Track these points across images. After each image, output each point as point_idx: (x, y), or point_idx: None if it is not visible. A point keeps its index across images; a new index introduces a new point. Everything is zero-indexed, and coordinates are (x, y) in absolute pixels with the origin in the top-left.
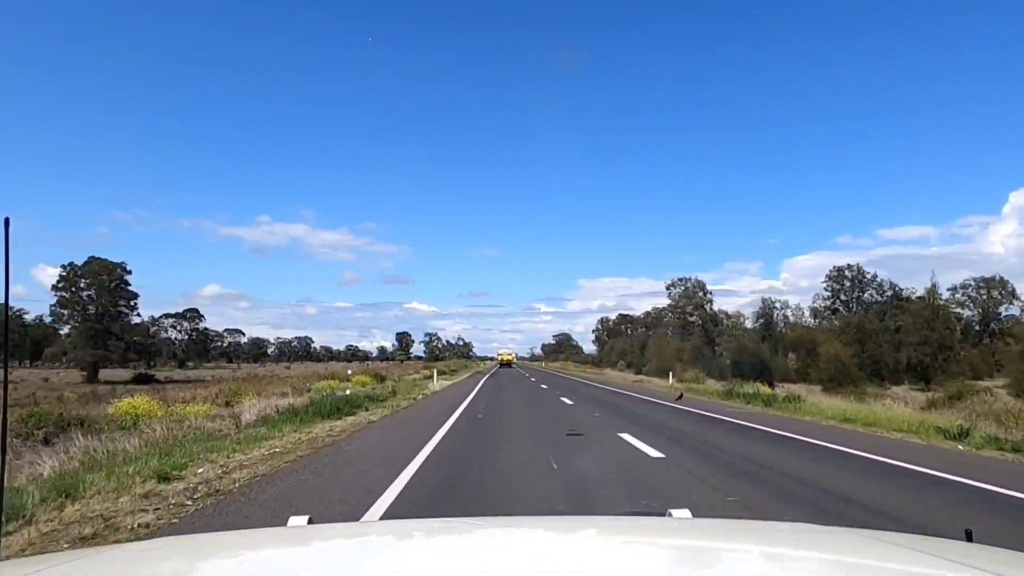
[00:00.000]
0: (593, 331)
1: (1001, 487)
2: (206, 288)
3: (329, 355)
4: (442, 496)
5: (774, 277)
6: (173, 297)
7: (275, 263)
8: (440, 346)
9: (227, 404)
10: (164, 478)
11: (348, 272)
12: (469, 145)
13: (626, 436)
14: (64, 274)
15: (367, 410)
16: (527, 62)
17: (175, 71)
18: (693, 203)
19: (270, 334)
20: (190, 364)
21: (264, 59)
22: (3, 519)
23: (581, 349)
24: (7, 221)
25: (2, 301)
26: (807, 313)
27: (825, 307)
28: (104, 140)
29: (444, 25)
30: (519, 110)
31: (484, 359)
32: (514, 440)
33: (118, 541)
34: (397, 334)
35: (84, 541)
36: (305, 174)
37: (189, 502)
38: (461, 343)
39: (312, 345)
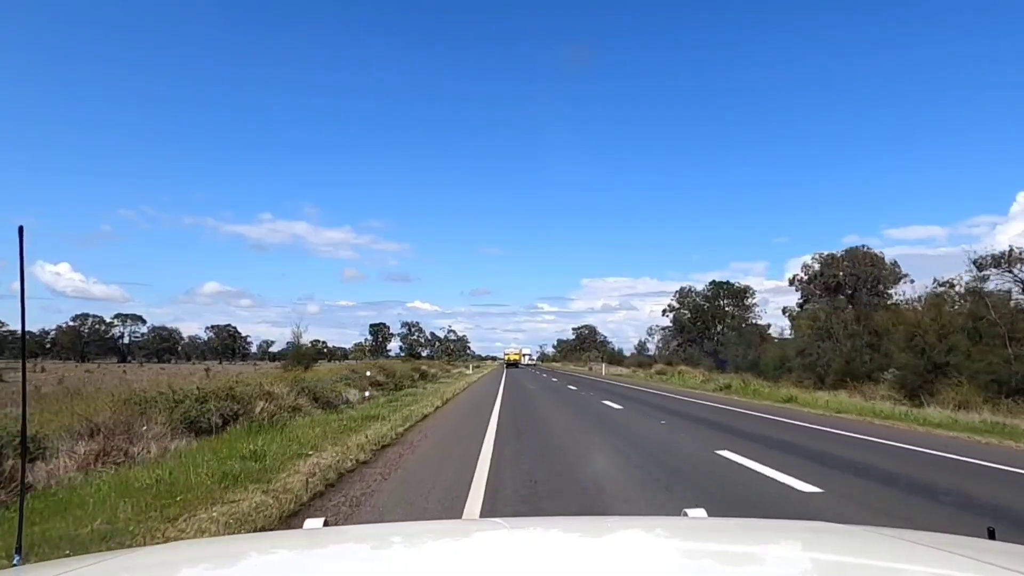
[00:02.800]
0: (668, 312)
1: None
2: (206, 286)
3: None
4: None
5: (779, 277)
6: (175, 295)
7: (277, 261)
8: (422, 340)
9: None
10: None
11: (349, 269)
12: (473, 142)
13: None
14: None
15: None
16: (532, 59)
17: (176, 67)
18: (698, 202)
19: (271, 333)
20: None
21: (265, 54)
22: (22, 522)
23: (606, 345)
24: (21, 229)
25: (19, 305)
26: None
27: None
28: (107, 137)
29: (447, 22)
30: (523, 107)
31: (486, 359)
32: None
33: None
34: (371, 326)
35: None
36: (307, 172)
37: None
38: (452, 337)
39: (237, 336)
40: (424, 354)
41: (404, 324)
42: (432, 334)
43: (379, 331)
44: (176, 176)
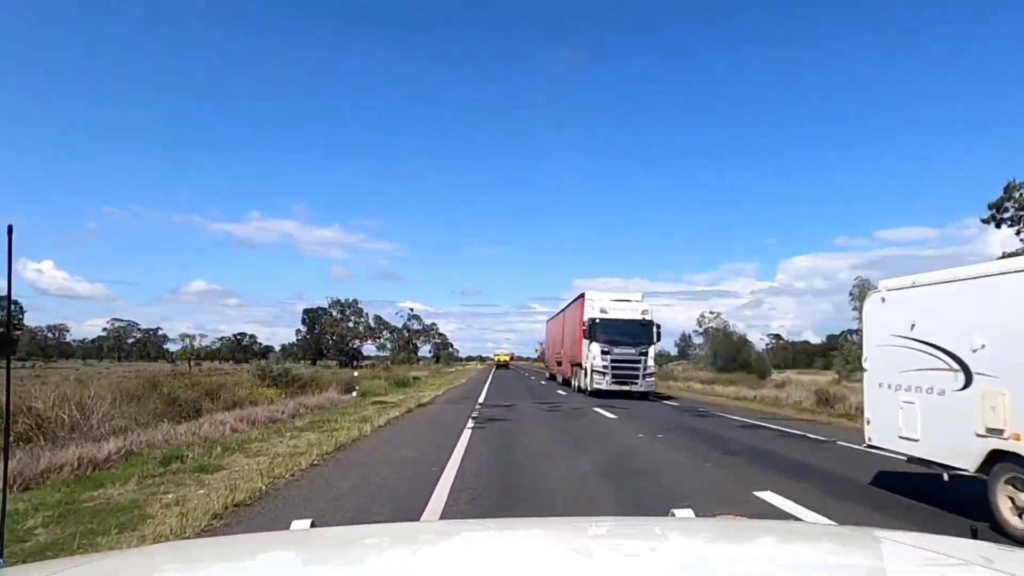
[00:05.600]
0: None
1: None
2: (193, 284)
3: (228, 351)
4: None
5: (770, 278)
6: (161, 293)
7: (266, 260)
8: (362, 329)
9: None
10: None
11: (337, 268)
12: (465, 142)
13: None
14: None
15: None
16: (524, 59)
17: (166, 66)
18: (689, 203)
19: (261, 332)
20: None
21: (257, 53)
22: (3, 526)
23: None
24: (10, 228)
25: (5, 306)
26: None
27: None
28: (92, 135)
29: (440, 20)
30: (516, 107)
31: (472, 359)
32: None
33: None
34: (305, 311)
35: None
36: (297, 170)
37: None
38: (416, 326)
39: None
40: (371, 352)
41: (335, 303)
42: (377, 318)
43: (317, 320)
44: (164, 174)
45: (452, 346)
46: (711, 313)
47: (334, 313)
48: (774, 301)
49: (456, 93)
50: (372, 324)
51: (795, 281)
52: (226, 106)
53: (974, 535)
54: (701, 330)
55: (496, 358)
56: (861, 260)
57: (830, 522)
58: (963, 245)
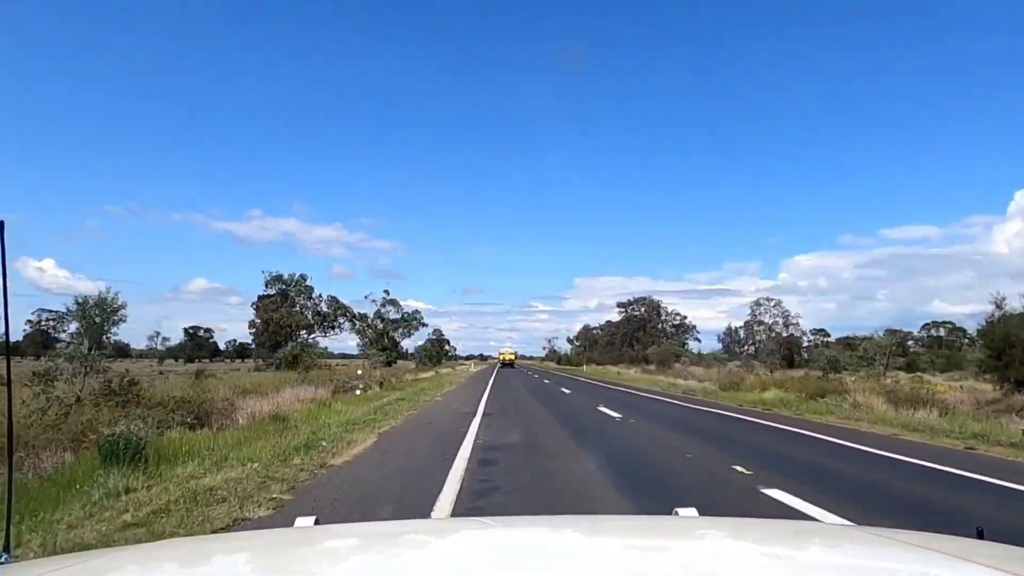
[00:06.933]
0: None
1: None
2: (193, 283)
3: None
4: None
5: (772, 277)
6: (162, 291)
7: (267, 258)
8: (308, 316)
9: None
10: None
11: (337, 266)
12: (466, 140)
13: None
14: None
15: None
16: (526, 56)
17: (170, 63)
18: (691, 202)
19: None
20: None
21: (255, 50)
22: (10, 520)
23: (685, 333)
24: (1, 224)
25: (1, 303)
26: None
27: None
28: (90, 133)
29: (440, 16)
30: (517, 106)
31: (471, 358)
32: None
33: None
34: (259, 298)
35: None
36: (297, 169)
37: None
38: (392, 314)
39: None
40: (327, 345)
41: (274, 279)
42: (332, 299)
43: (265, 310)
44: (165, 172)
45: (448, 343)
46: (767, 300)
47: (291, 293)
48: (776, 300)
49: (457, 91)
50: (326, 308)
51: (798, 280)
52: (226, 105)
53: (980, 535)
54: (756, 322)
55: (501, 357)
56: (865, 259)
57: (842, 521)
58: (969, 244)
